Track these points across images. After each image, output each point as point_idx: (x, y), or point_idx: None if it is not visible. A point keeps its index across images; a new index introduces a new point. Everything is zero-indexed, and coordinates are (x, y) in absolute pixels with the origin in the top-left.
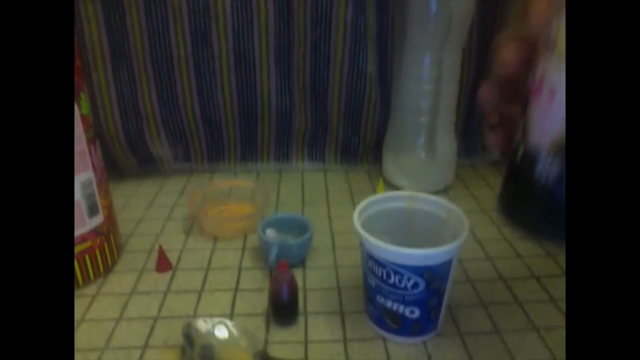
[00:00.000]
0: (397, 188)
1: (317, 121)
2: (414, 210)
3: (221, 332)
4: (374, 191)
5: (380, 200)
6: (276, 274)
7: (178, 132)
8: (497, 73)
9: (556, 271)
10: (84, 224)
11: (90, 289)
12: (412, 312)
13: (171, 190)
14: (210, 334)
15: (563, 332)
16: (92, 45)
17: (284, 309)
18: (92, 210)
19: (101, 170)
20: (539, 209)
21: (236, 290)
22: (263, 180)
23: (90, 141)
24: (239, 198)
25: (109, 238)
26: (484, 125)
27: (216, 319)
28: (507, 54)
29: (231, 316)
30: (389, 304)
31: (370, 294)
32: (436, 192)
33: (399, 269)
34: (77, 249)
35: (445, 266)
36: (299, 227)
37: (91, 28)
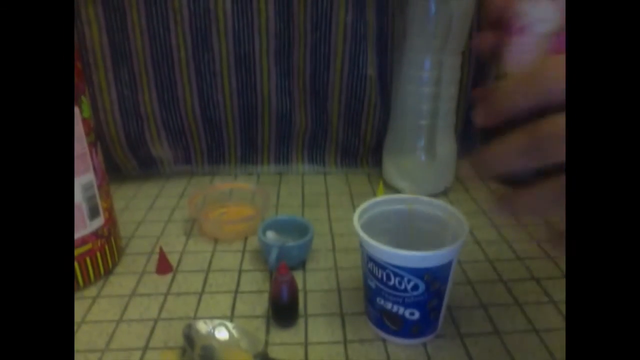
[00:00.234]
0: (397, 190)
1: (317, 123)
2: (414, 212)
3: (221, 334)
4: (374, 193)
5: (381, 202)
6: (276, 276)
7: (178, 133)
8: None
9: (556, 273)
10: (84, 226)
11: (91, 291)
12: (412, 313)
13: (172, 193)
14: (211, 335)
15: (563, 334)
16: (92, 47)
17: (284, 310)
18: (93, 213)
19: (102, 172)
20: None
21: (236, 292)
22: (263, 183)
23: (91, 144)
24: (240, 200)
25: (110, 240)
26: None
27: (216, 321)
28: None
29: (231, 318)
30: (389, 305)
31: (370, 295)
32: (436, 195)
33: (398, 271)
34: (78, 251)
35: (445, 268)
36: (299, 229)
37: (92, 30)
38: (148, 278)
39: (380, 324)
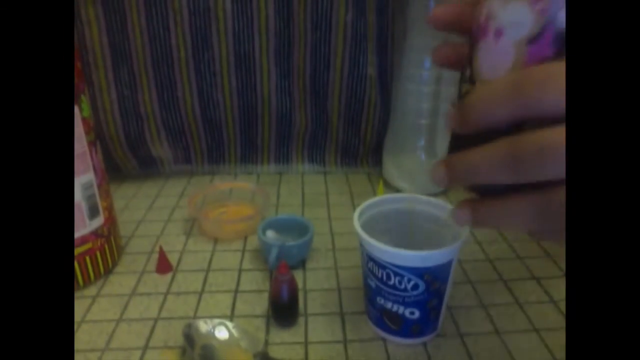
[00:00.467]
0: (397, 190)
1: (317, 123)
2: (414, 211)
3: (221, 333)
4: (374, 193)
5: (381, 202)
6: (276, 275)
7: (178, 133)
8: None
9: (556, 272)
10: (84, 226)
11: (91, 290)
12: (412, 313)
13: (171, 192)
14: (211, 335)
15: (563, 334)
16: (92, 47)
17: (284, 310)
18: (93, 212)
19: (102, 172)
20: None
21: (236, 291)
22: (263, 182)
23: (91, 143)
24: (240, 200)
25: (110, 239)
26: None
27: (216, 320)
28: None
29: (231, 317)
30: (389, 305)
31: (370, 295)
32: (436, 194)
33: (399, 271)
34: (78, 250)
35: (446, 267)
36: (299, 228)
37: (92, 30)
38: (148, 277)
39: (381, 324)
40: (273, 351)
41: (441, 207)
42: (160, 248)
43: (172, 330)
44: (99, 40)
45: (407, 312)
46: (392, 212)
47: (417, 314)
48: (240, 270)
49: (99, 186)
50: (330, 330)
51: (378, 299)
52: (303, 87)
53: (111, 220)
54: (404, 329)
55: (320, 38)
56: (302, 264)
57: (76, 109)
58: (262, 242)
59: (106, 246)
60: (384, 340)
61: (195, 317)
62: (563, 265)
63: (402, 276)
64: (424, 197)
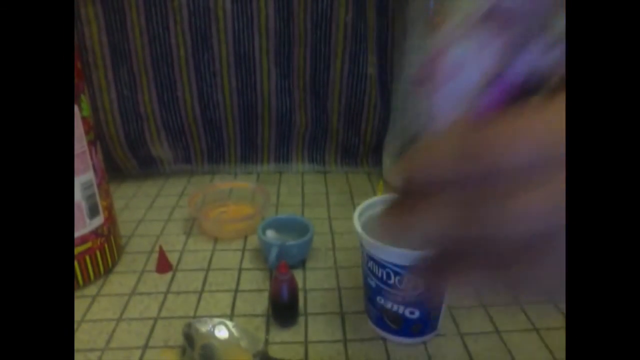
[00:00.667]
0: None
1: (317, 123)
2: None
3: (221, 333)
4: (374, 192)
5: (381, 201)
6: (276, 275)
7: (178, 133)
8: None
9: None
10: (84, 225)
11: (91, 290)
12: (412, 312)
13: (171, 192)
14: (211, 334)
15: (563, 333)
16: (92, 46)
17: (284, 309)
18: (93, 212)
19: (102, 171)
20: None
21: (236, 290)
22: (263, 182)
23: (91, 143)
24: (239, 199)
25: (110, 239)
26: None
27: (216, 320)
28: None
29: (231, 317)
30: (389, 304)
31: (370, 294)
32: None
33: (399, 270)
34: (78, 249)
35: None
36: (299, 228)
37: (92, 30)
38: (148, 277)
39: (381, 323)
40: (273, 351)
41: None
42: (160, 247)
43: (172, 330)
44: (99, 40)
45: (407, 312)
46: None
47: (417, 313)
48: (240, 270)
49: (99, 186)
50: (330, 330)
51: (378, 298)
52: (303, 87)
53: (111, 220)
54: (404, 328)
55: (320, 38)
56: (302, 263)
57: (76, 109)
58: (262, 242)
59: (106, 245)
60: (384, 339)
61: (195, 316)
62: None
63: (402, 276)
64: None
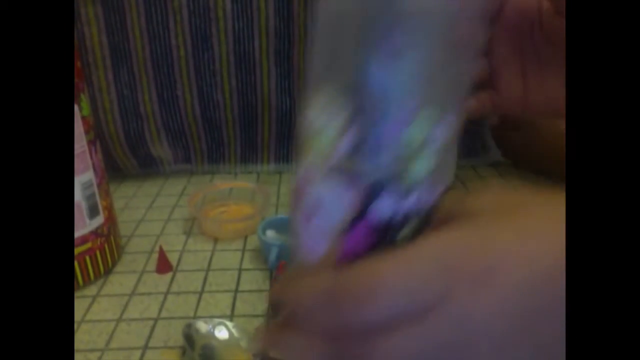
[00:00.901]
0: None
1: None
2: None
3: (221, 333)
4: None
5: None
6: (276, 275)
7: (178, 133)
8: None
9: None
10: (84, 225)
11: (91, 290)
12: None
13: (171, 192)
14: (211, 334)
15: None
16: (92, 46)
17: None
18: (93, 212)
19: (102, 171)
20: None
21: (236, 291)
22: (263, 182)
23: (91, 142)
24: (239, 199)
25: (110, 239)
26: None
27: (216, 320)
28: None
29: (231, 317)
30: None
31: None
32: None
33: None
34: (78, 250)
35: None
36: None
37: (92, 30)
38: (148, 277)
39: None
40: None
41: None
42: (160, 248)
43: (172, 330)
44: (99, 40)
45: None
46: None
47: None
48: (240, 270)
49: (99, 185)
50: None
51: None
52: (303, 87)
53: (111, 220)
54: None
55: None
56: None
57: (76, 108)
58: (262, 242)
59: (106, 246)
60: None
61: (195, 317)
62: None
63: None
64: None
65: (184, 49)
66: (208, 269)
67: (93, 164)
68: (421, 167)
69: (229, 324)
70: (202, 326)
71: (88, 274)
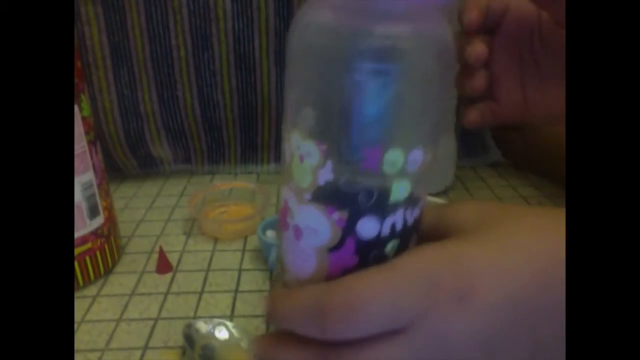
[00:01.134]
0: None
1: None
2: None
3: (221, 333)
4: None
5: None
6: (276, 276)
7: (178, 133)
8: None
9: None
10: (84, 226)
11: (91, 290)
12: None
13: (171, 192)
14: (211, 335)
15: None
16: (92, 46)
17: None
18: (93, 212)
19: (102, 171)
20: None
21: (236, 291)
22: (263, 182)
23: (91, 142)
24: (240, 199)
25: (110, 239)
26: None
27: (216, 320)
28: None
29: (231, 317)
30: None
31: None
32: (436, 194)
33: None
34: (78, 250)
35: None
36: None
37: (92, 29)
38: (148, 277)
39: None
40: None
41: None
42: (160, 248)
43: (172, 330)
44: (99, 40)
45: None
46: None
47: None
48: (240, 270)
49: (99, 186)
50: None
51: None
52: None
53: (111, 220)
54: None
55: None
56: None
57: (76, 109)
58: (262, 242)
59: (106, 246)
60: None
61: (195, 317)
62: None
63: None
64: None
65: (184, 49)
66: (208, 269)
67: (93, 164)
68: (402, 186)
69: (229, 324)
70: (202, 326)
71: (88, 274)
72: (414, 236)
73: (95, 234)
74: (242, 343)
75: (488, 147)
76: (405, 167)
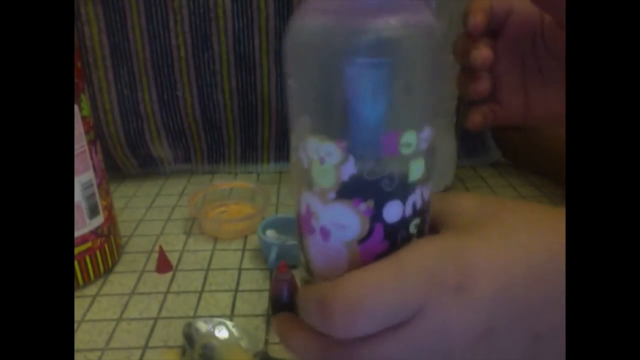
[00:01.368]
0: None
1: None
2: None
3: (221, 333)
4: None
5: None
6: (276, 275)
7: (178, 133)
8: None
9: None
10: (84, 225)
11: (91, 290)
12: None
13: (171, 191)
14: (211, 334)
15: None
16: (92, 46)
17: (284, 309)
18: (93, 211)
19: (102, 171)
20: None
21: (236, 290)
22: (263, 181)
23: (91, 142)
24: (239, 199)
25: (110, 239)
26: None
27: (216, 320)
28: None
29: (231, 317)
30: None
31: None
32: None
33: None
34: (78, 249)
35: None
36: None
37: (92, 29)
38: (148, 277)
39: None
40: (273, 351)
41: None
42: (160, 247)
43: (172, 330)
44: (99, 40)
45: None
46: None
47: None
48: (240, 270)
49: (99, 185)
50: None
51: None
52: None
53: (111, 220)
54: None
55: None
56: None
57: (76, 109)
58: (262, 242)
59: (106, 245)
60: None
61: (195, 316)
62: None
63: None
64: None
65: (184, 49)
66: (208, 269)
67: (93, 164)
68: (418, 165)
69: (229, 323)
70: (202, 326)
71: (88, 274)
72: (429, 211)
73: (95, 233)
74: (242, 342)
75: (488, 147)
76: (419, 146)
